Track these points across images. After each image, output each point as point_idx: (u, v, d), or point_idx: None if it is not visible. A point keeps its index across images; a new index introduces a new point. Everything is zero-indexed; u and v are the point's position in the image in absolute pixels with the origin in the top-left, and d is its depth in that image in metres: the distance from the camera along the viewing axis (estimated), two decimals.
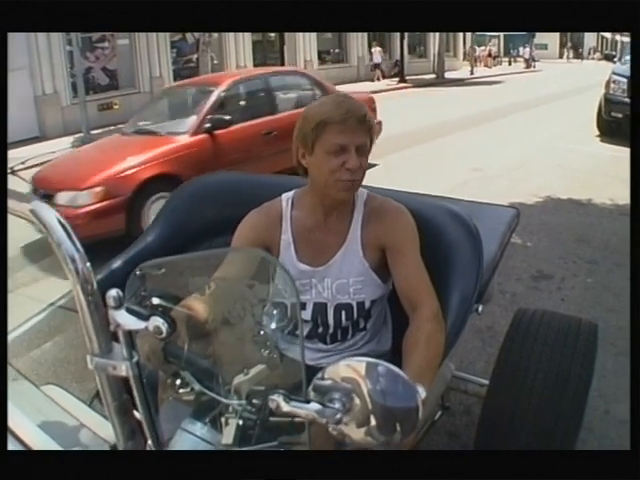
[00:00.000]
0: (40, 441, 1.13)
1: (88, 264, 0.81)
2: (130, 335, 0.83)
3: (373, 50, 24.63)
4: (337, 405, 0.86)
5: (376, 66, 24.81)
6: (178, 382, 1.21)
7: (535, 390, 1.93)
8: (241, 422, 1.15)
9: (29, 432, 1.15)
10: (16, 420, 1.18)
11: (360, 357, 0.89)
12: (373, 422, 0.86)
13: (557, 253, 5.11)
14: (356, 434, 0.88)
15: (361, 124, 1.63)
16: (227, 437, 1.13)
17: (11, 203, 0.89)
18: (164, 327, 0.80)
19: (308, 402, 0.88)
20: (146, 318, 0.81)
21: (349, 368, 0.87)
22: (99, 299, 0.82)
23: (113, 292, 0.82)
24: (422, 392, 0.92)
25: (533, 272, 4.72)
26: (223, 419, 1.15)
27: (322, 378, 0.89)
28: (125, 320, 0.81)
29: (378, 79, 24.08)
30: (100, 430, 1.21)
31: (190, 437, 1.17)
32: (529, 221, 5.37)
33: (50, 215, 0.82)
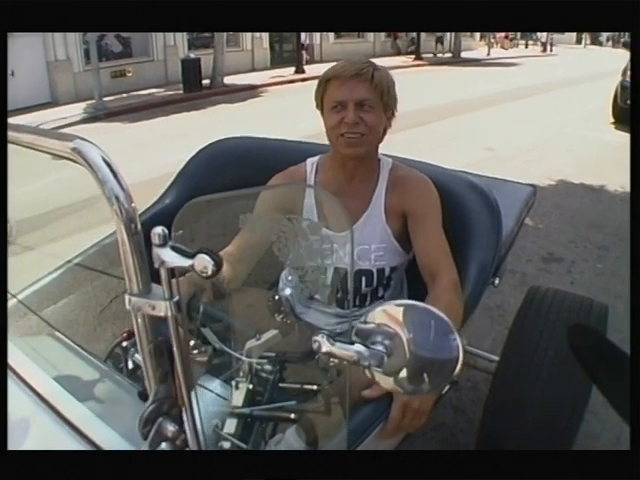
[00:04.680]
0: (55, 392, 1.14)
1: (133, 204, 0.79)
2: (172, 274, 0.81)
3: None
4: (380, 347, 0.85)
5: (303, 47, 20.85)
6: (192, 342, 1.23)
7: (544, 367, 1.93)
8: (251, 386, 1.17)
9: (45, 385, 1.16)
10: (30, 372, 1.19)
11: (399, 300, 0.87)
12: (404, 372, 0.85)
13: (568, 237, 5.09)
14: (386, 380, 0.87)
15: (358, 77, 1.62)
16: (237, 400, 1.16)
17: (52, 143, 0.87)
18: (210, 265, 0.77)
19: (352, 343, 0.86)
20: (192, 256, 0.79)
21: (385, 314, 0.86)
22: (142, 239, 0.80)
23: (158, 229, 0.80)
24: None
25: (544, 254, 4.71)
26: (234, 382, 1.17)
27: (365, 322, 0.87)
28: (170, 257, 0.80)
29: (306, 62, 19.99)
30: (118, 384, 1.22)
31: (207, 393, 1.19)
32: (541, 203, 5.32)
33: (94, 153, 0.80)
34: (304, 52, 20.70)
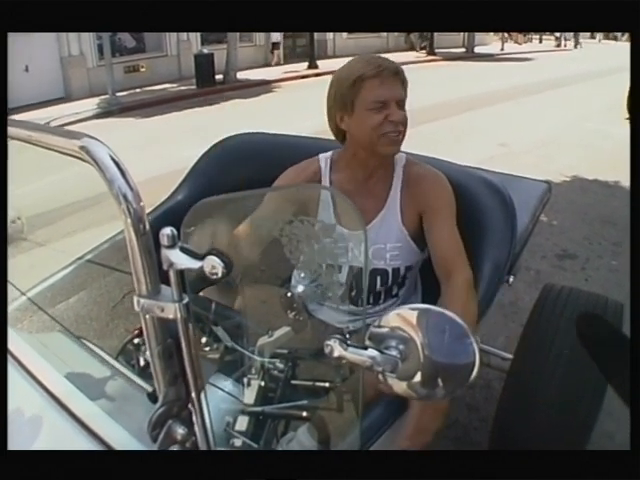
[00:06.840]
0: (66, 390, 1.13)
1: (142, 203, 0.77)
2: (182, 276, 0.79)
3: None
4: (394, 352, 0.82)
5: (274, 46, 20.12)
6: (204, 340, 1.22)
7: (559, 366, 1.91)
8: (263, 383, 1.16)
9: (56, 383, 1.15)
10: (41, 370, 1.19)
11: (414, 304, 0.84)
12: (418, 377, 0.82)
13: (582, 233, 5.06)
14: (399, 385, 0.84)
15: (396, 77, 1.63)
16: (249, 397, 1.15)
17: (60, 141, 0.86)
18: (220, 267, 0.75)
19: (365, 348, 0.83)
20: (201, 258, 0.77)
21: (399, 317, 0.83)
22: (151, 240, 0.78)
23: (167, 230, 0.77)
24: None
25: (558, 251, 4.68)
26: (246, 380, 1.16)
27: (379, 326, 0.84)
28: (179, 259, 0.77)
29: (278, 63, 19.72)
30: (128, 382, 1.22)
31: (218, 392, 1.19)
32: (555, 199, 5.26)
33: (102, 152, 0.78)
34: (277, 52, 20.22)
